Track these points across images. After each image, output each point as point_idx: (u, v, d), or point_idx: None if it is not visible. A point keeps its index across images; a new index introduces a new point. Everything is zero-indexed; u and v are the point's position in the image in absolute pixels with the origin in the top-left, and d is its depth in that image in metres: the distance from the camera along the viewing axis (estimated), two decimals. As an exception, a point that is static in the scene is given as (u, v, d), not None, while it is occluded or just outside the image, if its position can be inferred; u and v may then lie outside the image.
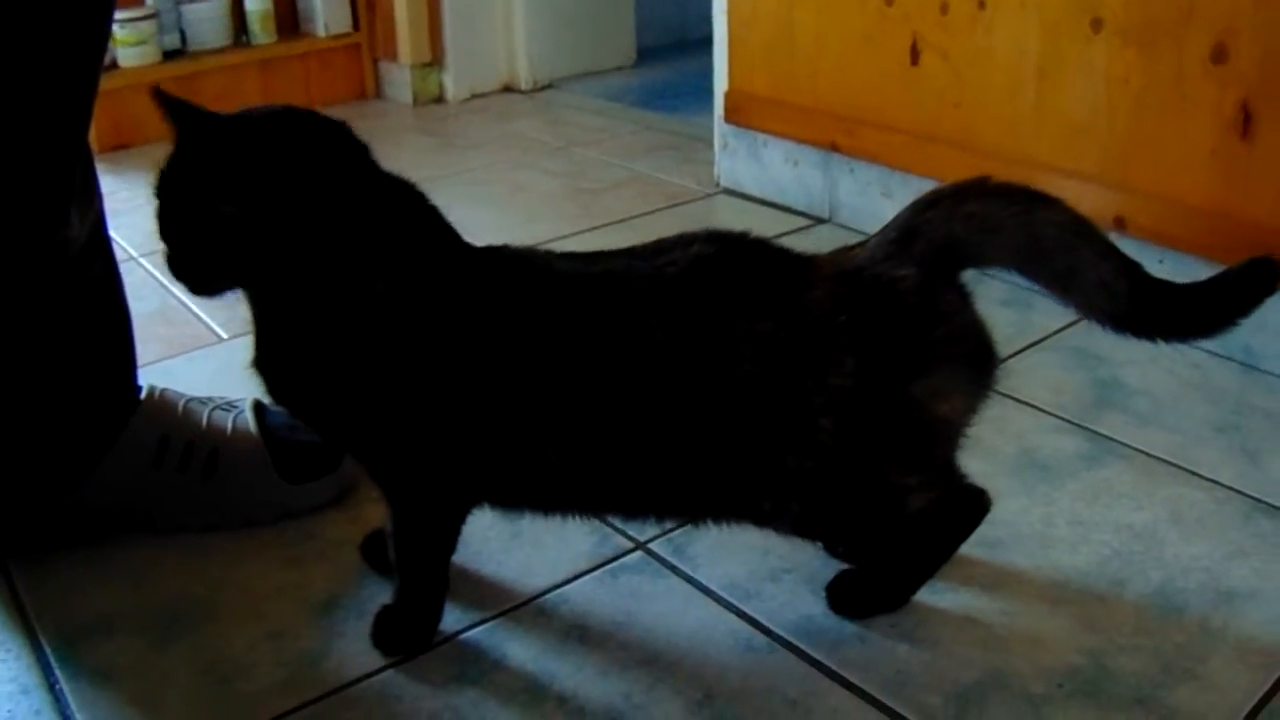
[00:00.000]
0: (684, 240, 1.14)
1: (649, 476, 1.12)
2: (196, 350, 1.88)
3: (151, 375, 1.48)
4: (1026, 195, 1.09)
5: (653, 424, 1.09)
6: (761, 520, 1.16)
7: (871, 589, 1.25)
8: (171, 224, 1.07)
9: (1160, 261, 1.77)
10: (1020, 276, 1.12)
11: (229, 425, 1.44)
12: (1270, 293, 1.08)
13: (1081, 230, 1.08)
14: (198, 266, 1.08)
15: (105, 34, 1.27)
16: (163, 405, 1.43)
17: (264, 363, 1.15)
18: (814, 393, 1.07)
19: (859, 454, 1.09)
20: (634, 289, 1.11)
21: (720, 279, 1.10)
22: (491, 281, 1.13)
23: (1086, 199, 1.80)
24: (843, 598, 1.25)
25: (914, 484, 1.14)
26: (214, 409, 1.45)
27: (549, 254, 1.17)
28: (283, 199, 1.04)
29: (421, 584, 1.22)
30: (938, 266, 1.10)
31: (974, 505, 1.21)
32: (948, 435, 1.15)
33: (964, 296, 1.13)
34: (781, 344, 1.07)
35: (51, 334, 1.32)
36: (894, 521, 1.16)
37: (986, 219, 1.09)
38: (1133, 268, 1.07)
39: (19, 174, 1.20)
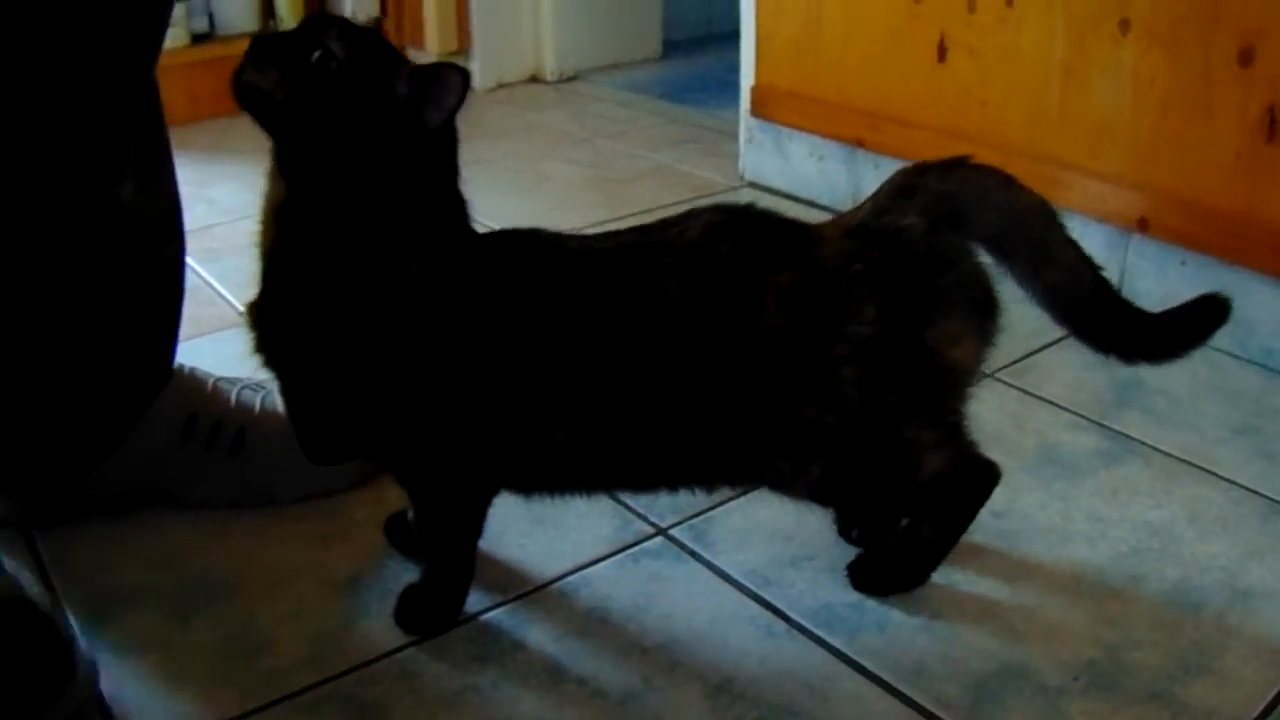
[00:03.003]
0: (693, 213, 1.15)
1: (671, 439, 1.13)
2: (221, 331, 1.89)
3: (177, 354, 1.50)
4: (1003, 174, 1.15)
5: (677, 383, 1.10)
6: (779, 484, 1.18)
7: (892, 566, 1.27)
8: None
9: (1183, 263, 1.78)
10: (994, 251, 1.15)
11: (257, 405, 1.45)
12: (1219, 326, 1.15)
13: (1053, 215, 1.14)
14: None
15: None
16: (192, 383, 1.45)
17: (273, 341, 1.15)
18: (836, 342, 1.08)
19: (878, 405, 1.11)
20: (650, 256, 1.12)
21: (735, 240, 1.11)
22: (508, 260, 1.14)
23: (1110, 199, 1.82)
24: (865, 575, 1.26)
25: (929, 440, 1.15)
26: (242, 388, 1.47)
27: (558, 234, 1.18)
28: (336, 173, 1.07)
29: (447, 566, 1.23)
30: (939, 218, 1.13)
31: (985, 474, 1.22)
32: (959, 382, 1.16)
33: (966, 245, 1.15)
34: (804, 295, 1.08)
35: (107, 296, 1.32)
36: (910, 484, 1.18)
37: (976, 184, 1.14)
38: (1097, 267, 1.14)
39: (68, 111, 1.20)
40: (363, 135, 1.06)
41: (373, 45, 1.07)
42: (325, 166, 1.07)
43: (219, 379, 1.47)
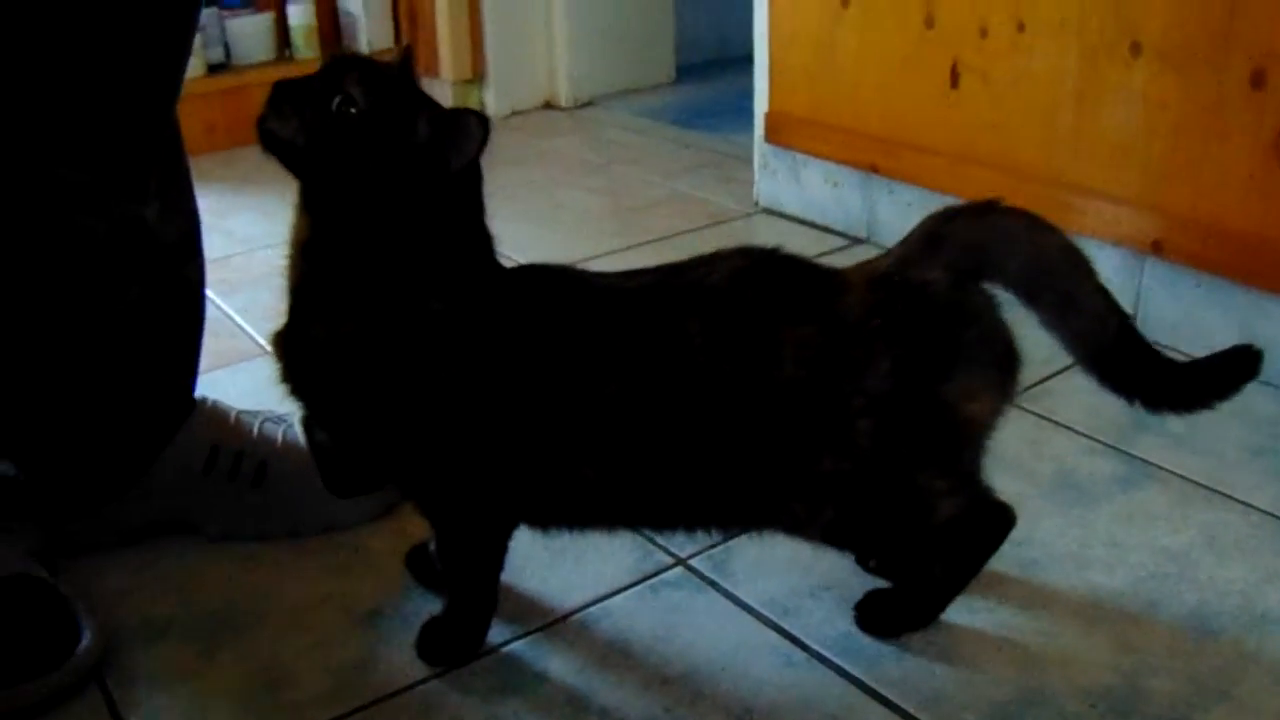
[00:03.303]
0: (718, 256, 1.16)
1: (687, 482, 1.14)
2: (241, 363, 1.91)
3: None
4: (1034, 217, 1.14)
5: (693, 428, 1.10)
6: (793, 526, 1.18)
7: (900, 607, 1.27)
8: None
9: (1197, 285, 1.78)
10: (1021, 296, 1.15)
11: (279, 437, 1.47)
12: (1251, 378, 1.14)
13: (1081, 261, 1.13)
14: None
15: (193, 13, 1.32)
16: (215, 415, 1.47)
17: (298, 371, 1.16)
18: (853, 395, 1.09)
19: (893, 456, 1.11)
20: (673, 300, 1.13)
21: (758, 288, 1.12)
22: (532, 298, 1.15)
23: (1124, 222, 1.82)
24: (872, 616, 1.26)
25: (942, 488, 1.15)
26: (264, 421, 1.48)
27: (583, 272, 1.19)
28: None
29: (470, 598, 1.24)
30: (964, 270, 1.13)
31: (999, 520, 1.22)
32: (976, 436, 1.17)
33: (990, 300, 1.15)
34: (822, 348, 1.09)
35: (131, 321, 1.36)
36: (923, 528, 1.18)
37: (1005, 231, 1.14)
38: (1124, 314, 1.13)
39: (98, 133, 1.25)
40: (384, 179, 1.08)
41: (394, 89, 1.09)
42: (348, 208, 1.09)
43: (241, 412, 1.49)
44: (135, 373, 1.38)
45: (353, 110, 1.06)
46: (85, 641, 1.20)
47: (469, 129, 1.07)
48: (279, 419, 1.50)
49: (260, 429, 1.47)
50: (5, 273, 1.26)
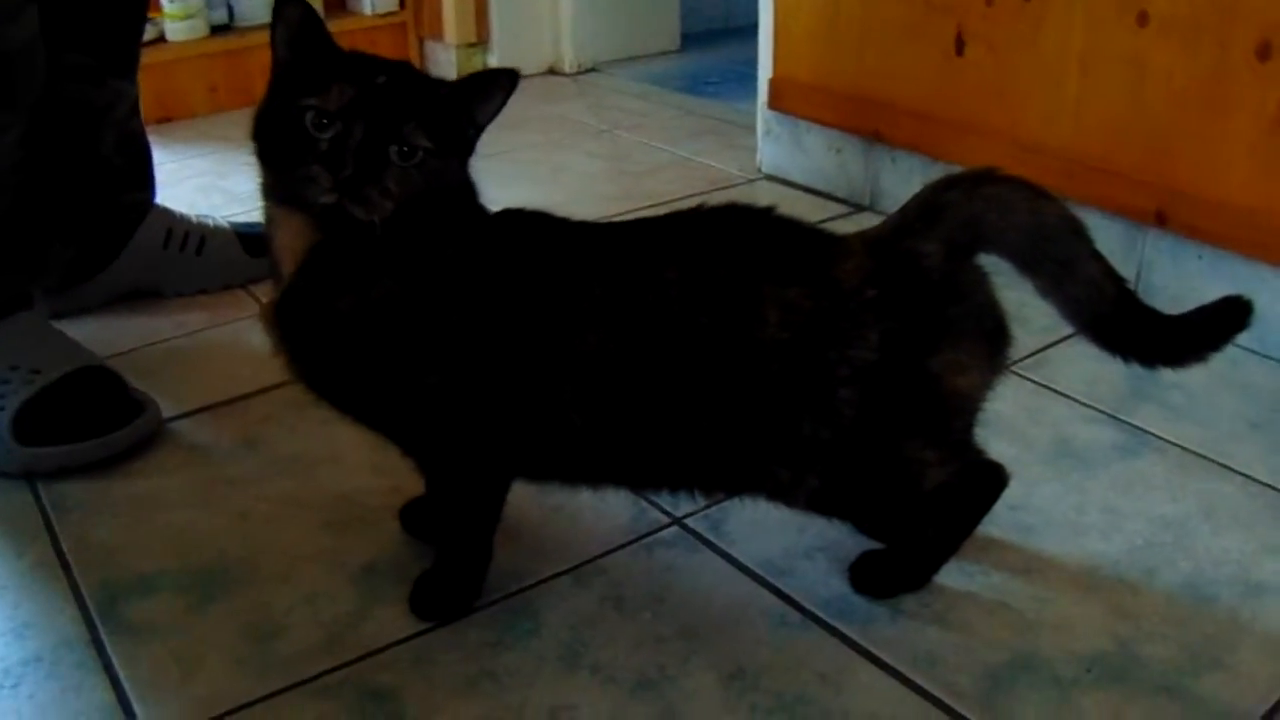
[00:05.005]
0: (703, 209, 1.18)
1: (668, 435, 1.14)
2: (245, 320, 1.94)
3: (194, 345, 1.52)
4: (1032, 186, 1.14)
5: (669, 378, 1.11)
6: (778, 493, 1.18)
7: (894, 568, 1.27)
8: None
9: (1200, 257, 1.78)
10: (1018, 265, 1.15)
11: (212, 222, 2.09)
12: (1241, 329, 1.14)
13: (1079, 229, 1.13)
14: None
15: None
16: (166, 211, 2.05)
17: (310, 343, 1.15)
18: (837, 364, 1.09)
19: (877, 427, 1.11)
20: (653, 246, 1.15)
21: (744, 244, 1.13)
22: (518, 241, 1.16)
23: (1127, 193, 1.81)
24: (865, 577, 1.26)
25: (931, 458, 1.15)
26: (199, 215, 2.10)
27: (563, 217, 1.21)
28: None
29: (464, 552, 1.24)
30: (959, 244, 1.13)
31: (992, 479, 1.23)
32: (964, 409, 1.17)
33: (982, 274, 1.16)
34: (810, 312, 1.09)
35: (108, 155, 1.92)
36: (911, 497, 1.18)
37: (1003, 201, 1.13)
38: (1121, 279, 1.13)
39: (96, 26, 1.82)
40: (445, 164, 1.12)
41: (447, 97, 1.11)
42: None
43: (185, 212, 2.09)
44: (115, 186, 1.95)
45: (420, 156, 1.07)
46: (149, 410, 1.59)
47: (499, 85, 1.11)
48: (208, 217, 2.10)
49: (198, 218, 2.07)
50: (33, 130, 1.61)
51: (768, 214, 1.17)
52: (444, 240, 1.12)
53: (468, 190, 1.17)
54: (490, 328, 1.11)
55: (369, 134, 1.04)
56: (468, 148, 1.14)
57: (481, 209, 1.18)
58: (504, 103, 1.12)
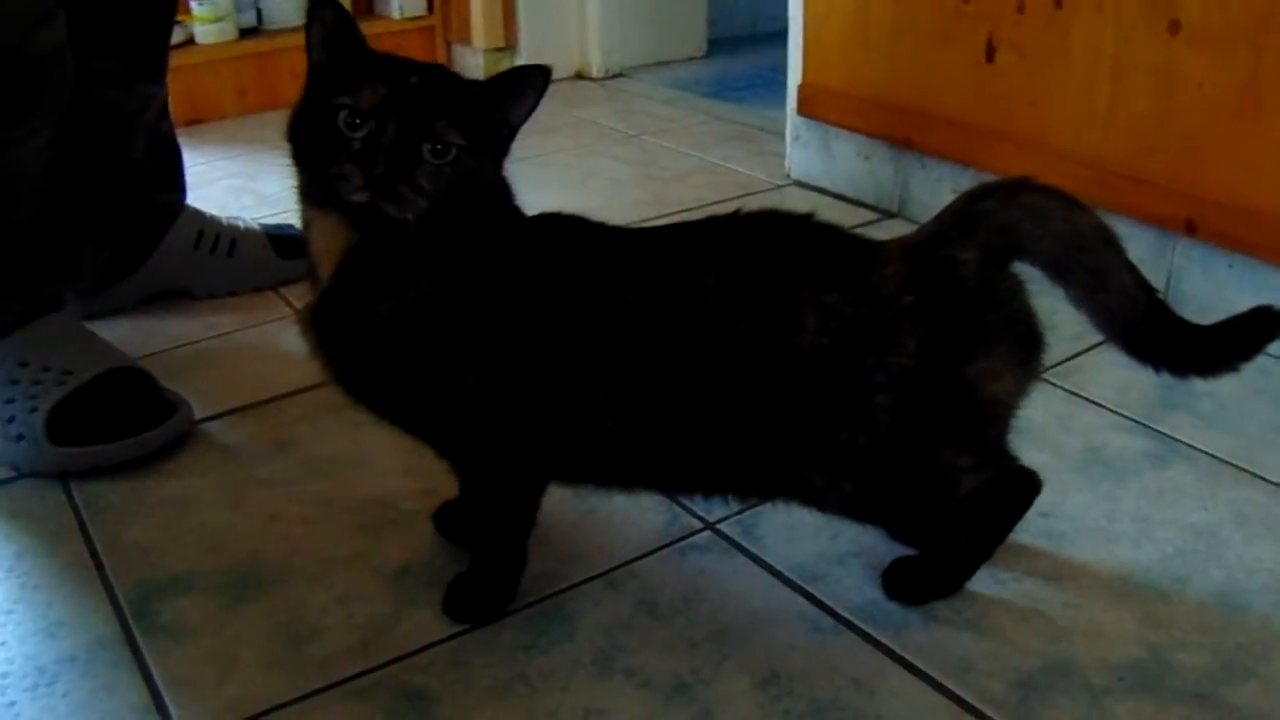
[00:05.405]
0: (746, 215, 1.18)
1: (702, 440, 1.14)
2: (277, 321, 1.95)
3: (226, 346, 1.55)
4: (1067, 196, 1.14)
5: (705, 383, 1.11)
6: (812, 498, 1.18)
7: (927, 574, 1.27)
8: None
9: (1230, 266, 1.78)
10: (1051, 274, 1.15)
11: (243, 224, 2.10)
12: (1273, 339, 1.14)
13: (1112, 239, 1.14)
14: None
15: None
16: (197, 212, 2.06)
17: (351, 348, 1.15)
18: (874, 370, 1.09)
19: (912, 433, 1.12)
20: (690, 252, 1.15)
21: (782, 250, 1.14)
22: (555, 244, 1.17)
23: (1157, 201, 1.81)
24: (898, 583, 1.27)
25: (966, 465, 1.16)
26: (230, 218, 2.11)
27: (602, 223, 1.22)
28: None
29: (499, 555, 1.24)
30: (995, 252, 1.14)
31: (1025, 486, 1.23)
32: (999, 416, 1.17)
33: (1017, 281, 1.16)
34: (847, 319, 1.09)
35: (140, 159, 1.94)
36: (946, 503, 1.18)
37: (1038, 209, 1.14)
38: (1153, 289, 1.14)
39: (125, 33, 1.84)
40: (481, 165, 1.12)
41: (479, 96, 1.11)
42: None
43: (214, 214, 2.10)
44: (146, 188, 1.97)
45: (453, 154, 1.07)
46: (181, 411, 1.60)
47: (531, 83, 1.11)
48: (239, 219, 2.12)
49: (229, 220, 2.09)
50: (64, 135, 1.61)
51: (806, 219, 1.17)
52: (481, 242, 1.12)
53: (503, 191, 1.17)
54: (527, 331, 1.12)
55: (401, 132, 1.05)
56: (502, 147, 1.14)
57: (518, 211, 1.18)
58: (537, 101, 1.12)
